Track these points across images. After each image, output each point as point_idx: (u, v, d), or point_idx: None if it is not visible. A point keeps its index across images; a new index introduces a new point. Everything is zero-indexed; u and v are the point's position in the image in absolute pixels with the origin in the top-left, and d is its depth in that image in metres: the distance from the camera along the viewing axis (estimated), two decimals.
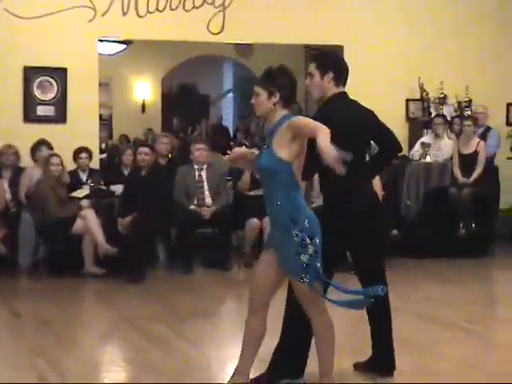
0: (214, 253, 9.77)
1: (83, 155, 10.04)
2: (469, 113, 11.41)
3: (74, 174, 9.98)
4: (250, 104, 4.94)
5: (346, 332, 6.47)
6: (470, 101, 11.46)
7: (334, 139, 4.29)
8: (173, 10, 10.69)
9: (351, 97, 5.57)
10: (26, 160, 10.02)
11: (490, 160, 10.94)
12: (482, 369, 5.80)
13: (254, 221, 9.73)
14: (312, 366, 5.19)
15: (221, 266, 9.52)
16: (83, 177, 10.04)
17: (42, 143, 9.95)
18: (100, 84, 10.91)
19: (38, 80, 10.32)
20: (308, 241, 4.66)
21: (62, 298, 8.34)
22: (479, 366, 5.92)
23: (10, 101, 10.25)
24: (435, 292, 8.55)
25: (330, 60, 5.35)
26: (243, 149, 5.25)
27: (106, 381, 5.63)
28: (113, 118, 15.72)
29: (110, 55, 13.35)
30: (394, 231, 10.21)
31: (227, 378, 5.00)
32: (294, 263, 4.66)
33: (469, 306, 7.85)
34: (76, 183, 9.88)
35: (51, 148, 9.85)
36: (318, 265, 4.69)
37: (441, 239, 10.42)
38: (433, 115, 11.42)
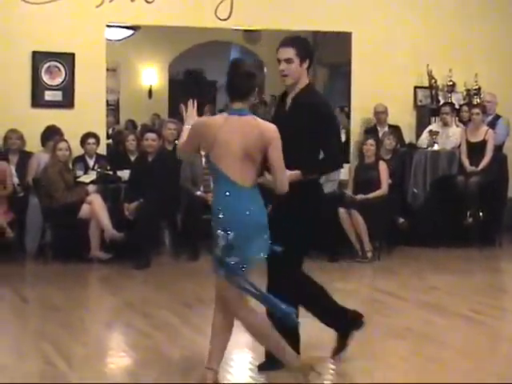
0: None
1: (90, 141, 10.03)
2: (477, 101, 11.35)
3: (81, 159, 9.99)
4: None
5: None
6: (479, 89, 11.40)
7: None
8: None
9: None
10: (33, 145, 10.02)
11: (498, 148, 10.90)
12: (486, 358, 5.81)
13: None
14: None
15: None
16: (90, 162, 10.05)
17: (53, 130, 9.93)
18: (107, 69, 10.88)
19: (46, 65, 10.31)
20: (220, 233, 4.63)
21: (68, 282, 8.36)
22: (484, 355, 5.92)
23: (19, 86, 10.25)
24: (441, 281, 8.54)
25: (309, 48, 5.28)
26: None
27: (111, 366, 5.64)
28: (120, 103, 15.68)
29: (117, 41, 13.31)
30: (401, 219, 10.20)
31: (231, 365, 5.00)
32: (212, 256, 4.73)
33: (475, 296, 7.84)
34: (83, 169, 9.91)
35: (61, 134, 9.85)
36: (230, 260, 4.63)
37: (448, 228, 10.39)
38: (441, 103, 11.37)
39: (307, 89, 5.22)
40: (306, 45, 5.29)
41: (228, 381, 5.16)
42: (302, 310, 5.32)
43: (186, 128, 4.94)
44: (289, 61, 5.13)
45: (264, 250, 4.72)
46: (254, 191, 4.72)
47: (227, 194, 4.66)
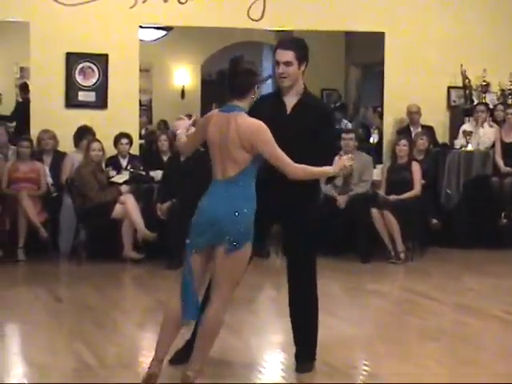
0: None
1: (123, 141, 10.07)
2: None
3: (114, 159, 10.05)
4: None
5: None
6: None
7: None
8: None
9: None
10: (67, 145, 10.10)
11: None
12: None
13: None
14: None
15: (259, 254, 9.51)
16: (123, 163, 10.09)
17: (85, 130, 9.99)
18: (140, 70, 10.93)
19: (79, 66, 10.37)
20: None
21: (101, 282, 8.40)
22: None
23: (53, 86, 10.32)
24: (475, 283, 8.48)
25: (306, 51, 5.27)
26: None
27: (144, 366, 5.65)
28: (153, 103, 15.76)
29: (150, 41, 13.37)
30: (434, 220, 10.14)
31: (265, 365, 4.99)
32: None
33: (510, 298, 7.77)
34: (116, 169, 9.96)
35: (94, 135, 9.91)
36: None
37: (482, 229, 10.31)
38: (475, 103, 11.29)
39: (309, 92, 5.31)
40: (304, 47, 5.29)
41: (260, 380, 5.16)
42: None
43: (180, 132, 5.15)
44: (288, 64, 5.14)
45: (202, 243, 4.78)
46: (229, 186, 4.72)
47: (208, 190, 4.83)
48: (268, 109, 5.09)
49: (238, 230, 4.65)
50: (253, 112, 4.91)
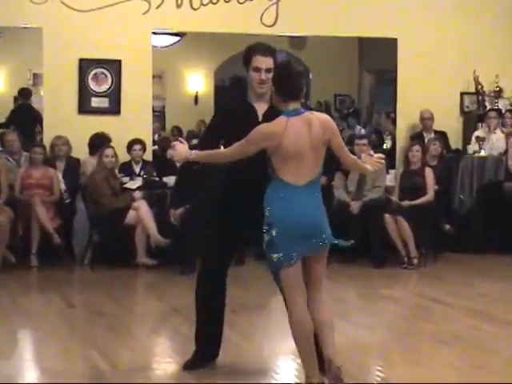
0: None
1: (136, 147, 10.09)
2: None
3: (127, 165, 10.07)
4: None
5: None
6: None
7: None
8: (226, 2, 10.70)
9: None
10: (80, 151, 10.13)
11: None
12: None
13: None
14: None
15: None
16: (137, 169, 10.11)
17: (101, 138, 9.98)
18: (153, 76, 10.95)
19: (92, 72, 10.40)
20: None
21: (114, 288, 8.41)
22: None
23: (66, 92, 10.36)
24: (489, 288, 8.44)
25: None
26: None
27: (157, 372, 5.66)
28: (166, 109, 15.79)
29: (163, 47, 13.40)
30: (447, 226, 10.11)
31: (279, 371, 4.97)
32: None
33: None
34: (129, 175, 9.98)
35: (110, 141, 9.91)
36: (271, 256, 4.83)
37: (495, 234, 10.28)
38: (487, 109, 11.27)
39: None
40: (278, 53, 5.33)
41: None
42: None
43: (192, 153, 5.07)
44: (269, 71, 5.12)
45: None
46: (313, 188, 4.81)
47: (281, 195, 4.74)
48: (239, 116, 5.07)
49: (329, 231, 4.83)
50: (222, 118, 5.00)
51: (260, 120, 5.14)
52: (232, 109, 5.27)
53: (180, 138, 5.47)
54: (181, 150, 5.15)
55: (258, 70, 5.14)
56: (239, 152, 4.88)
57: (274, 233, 4.72)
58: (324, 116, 4.93)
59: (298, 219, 4.71)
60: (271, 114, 5.09)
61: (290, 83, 4.83)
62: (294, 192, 4.75)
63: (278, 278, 4.83)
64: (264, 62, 5.14)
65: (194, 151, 5.13)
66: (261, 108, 5.20)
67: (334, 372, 4.73)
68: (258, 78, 5.14)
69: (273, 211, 4.75)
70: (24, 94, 12.26)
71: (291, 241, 4.69)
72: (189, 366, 5.44)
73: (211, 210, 5.68)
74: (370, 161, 5.05)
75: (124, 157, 10.06)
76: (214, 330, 5.46)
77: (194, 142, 9.70)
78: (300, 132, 4.74)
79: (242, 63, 5.23)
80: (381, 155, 5.11)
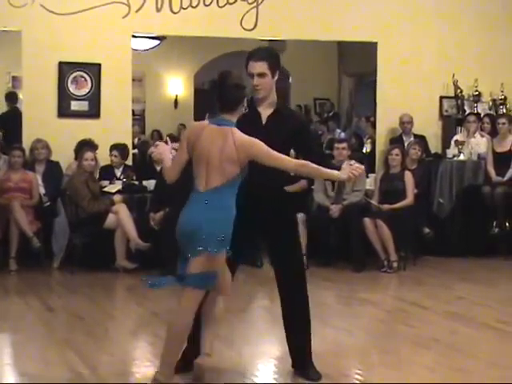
0: (245, 249, 9.75)
1: (114, 153, 10.06)
2: (504, 111, 11.30)
3: (107, 169, 10.04)
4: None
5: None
6: (505, 98, 11.35)
7: None
8: (206, 5, 10.71)
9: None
10: (60, 155, 10.10)
11: None
12: None
13: None
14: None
15: (252, 263, 9.52)
16: (117, 172, 10.08)
17: (86, 144, 9.93)
18: (133, 79, 10.94)
19: (72, 75, 10.38)
20: None
21: (93, 292, 8.39)
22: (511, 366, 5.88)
23: (45, 96, 10.32)
24: (467, 291, 8.48)
25: (278, 60, 5.27)
26: None
27: (136, 376, 5.65)
28: (146, 113, 15.78)
29: (143, 51, 13.39)
30: (427, 229, 10.15)
31: (258, 374, 4.97)
32: None
33: (501, 306, 7.78)
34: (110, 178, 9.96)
35: (96, 148, 9.85)
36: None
37: (474, 238, 10.34)
38: (466, 113, 11.32)
39: (282, 102, 5.37)
40: (276, 56, 5.29)
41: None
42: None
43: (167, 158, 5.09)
44: (262, 75, 5.13)
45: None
46: (210, 196, 4.79)
47: (189, 199, 4.89)
48: (244, 120, 5.06)
49: (215, 238, 4.77)
50: None
51: (264, 124, 5.17)
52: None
53: (167, 139, 5.48)
54: (162, 150, 5.16)
55: (251, 75, 5.17)
56: (176, 161, 4.97)
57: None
58: (244, 137, 4.77)
59: (180, 224, 4.88)
60: (276, 118, 5.15)
61: (223, 95, 4.81)
62: (192, 197, 4.88)
63: None
64: (256, 67, 5.14)
65: (171, 155, 5.13)
66: (265, 112, 5.22)
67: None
68: (252, 84, 5.17)
69: None
70: (10, 98, 12.22)
71: (183, 244, 4.85)
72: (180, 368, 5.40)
73: None
74: (348, 169, 4.93)
75: (104, 160, 10.04)
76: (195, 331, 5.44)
77: (175, 145, 9.74)
78: (210, 140, 4.75)
79: None
80: (361, 166, 5.02)
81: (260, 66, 5.14)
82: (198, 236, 4.74)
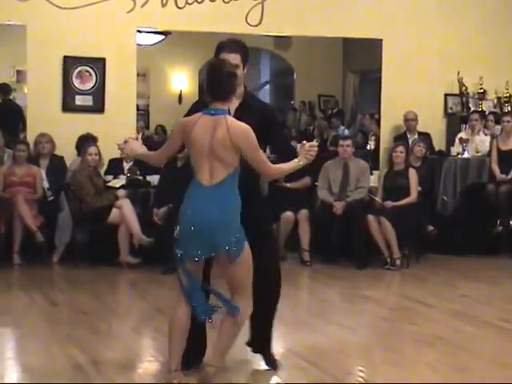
0: None
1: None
2: (508, 108, 11.28)
3: (116, 162, 10.02)
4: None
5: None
6: (510, 96, 11.33)
7: None
8: (212, 1, 10.70)
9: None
10: (64, 149, 10.09)
11: None
12: None
13: (289, 214, 9.70)
14: None
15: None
16: (126, 166, 10.06)
17: (87, 139, 9.93)
18: (138, 74, 10.94)
19: (77, 70, 10.37)
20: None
21: (97, 287, 8.39)
22: None
23: (50, 90, 10.32)
24: (470, 289, 8.48)
25: (248, 52, 5.21)
26: None
27: (139, 371, 5.65)
28: (150, 108, 15.77)
29: (148, 46, 13.38)
30: (430, 227, 10.14)
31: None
32: None
33: (505, 305, 7.77)
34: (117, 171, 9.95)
35: (96, 141, 9.85)
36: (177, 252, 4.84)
37: (477, 236, 10.33)
38: (471, 111, 11.31)
39: (249, 92, 5.31)
40: (246, 49, 5.24)
41: (229, 381, 5.14)
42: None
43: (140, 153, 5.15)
44: (236, 67, 5.05)
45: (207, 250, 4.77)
46: (218, 191, 4.74)
47: (188, 193, 4.87)
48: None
49: (232, 237, 4.71)
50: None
51: (232, 115, 5.07)
52: (203, 108, 5.07)
53: (136, 135, 5.49)
54: (132, 146, 5.16)
55: None
56: (166, 147, 4.99)
57: (177, 230, 4.82)
58: (240, 125, 4.74)
59: (190, 220, 4.77)
60: (244, 110, 5.08)
61: (217, 84, 4.78)
62: (196, 191, 4.81)
63: (179, 273, 4.86)
64: (230, 58, 5.04)
65: (143, 149, 5.15)
66: (233, 104, 5.11)
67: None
68: None
69: (181, 208, 4.86)
70: (3, 90, 12.17)
71: (189, 240, 4.76)
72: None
73: None
74: (303, 153, 4.87)
75: (108, 155, 10.02)
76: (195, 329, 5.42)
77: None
78: (204, 131, 4.72)
79: None
80: (313, 143, 4.92)
81: (234, 58, 5.07)
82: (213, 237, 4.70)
